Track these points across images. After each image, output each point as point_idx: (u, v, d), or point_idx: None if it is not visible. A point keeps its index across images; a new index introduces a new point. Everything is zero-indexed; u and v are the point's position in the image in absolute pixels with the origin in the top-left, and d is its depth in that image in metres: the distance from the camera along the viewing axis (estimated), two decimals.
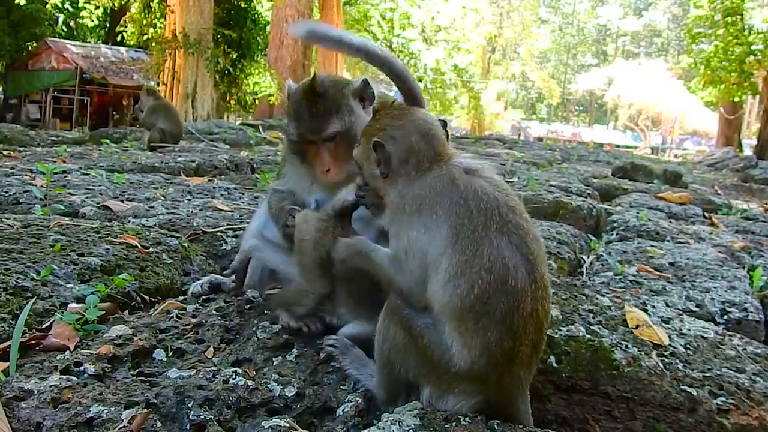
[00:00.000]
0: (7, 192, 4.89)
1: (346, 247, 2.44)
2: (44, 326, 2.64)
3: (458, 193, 2.10)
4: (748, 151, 32.27)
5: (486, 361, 2.03)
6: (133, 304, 3.11)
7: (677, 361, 2.81)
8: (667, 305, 3.59)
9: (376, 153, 2.26)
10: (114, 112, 36.55)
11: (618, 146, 49.11)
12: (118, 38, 32.94)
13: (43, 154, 8.62)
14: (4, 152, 8.45)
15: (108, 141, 11.82)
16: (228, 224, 4.40)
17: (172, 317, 2.85)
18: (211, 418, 2.12)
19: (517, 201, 2.17)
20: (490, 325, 2.00)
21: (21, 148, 9.68)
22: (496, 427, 2.08)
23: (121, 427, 1.99)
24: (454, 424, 2.06)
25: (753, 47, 32.81)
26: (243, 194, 6.03)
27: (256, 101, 31.89)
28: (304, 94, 2.79)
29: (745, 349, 3.02)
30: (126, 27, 30.13)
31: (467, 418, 2.07)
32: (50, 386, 2.16)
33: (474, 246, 2.02)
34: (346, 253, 2.43)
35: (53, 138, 13.45)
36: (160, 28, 28.14)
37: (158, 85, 26.28)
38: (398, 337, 2.18)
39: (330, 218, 2.60)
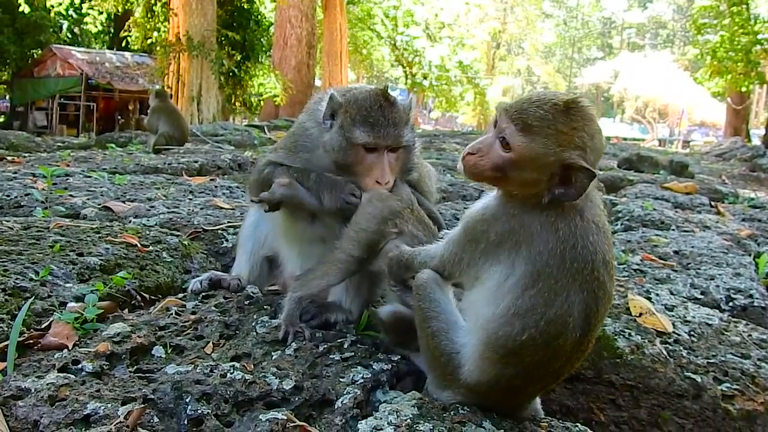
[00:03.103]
0: (8, 195, 4.89)
1: (393, 257, 2.43)
2: (43, 326, 2.63)
3: (557, 240, 1.90)
4: (756, 141, 32.09)
5: (492, 387, 2.03)
6: (133, 302, 3.11)
7: (681, 348, 2.79)
8: (672, 293, 3.57)
9: (568, 171, 1.90)
10: (120, 117, 36.63)
11: (625, 139, 48.88)
12: (123, 43, 33.03)
13: (47, 158, 8.63)
14: (8, 158, 8.47)
15: (113, 145, 11.85)
16: (229, 222, 4.39)
17: (172, 314, 2.85)
18: (208, 413, 2.11)
19: (612, 251, 2.02)
20: (511, 365, 1.97)
21: (26, 155, 9.70)
22: (494, 416, 2.07)
23: (117, 423, 1.98)
24: (452, 413, 2.06)
25: (759, 36, 32.71)
26: (245, 192, 6.01)
27: (262, 102, 31.88)
28: (378, 99, 2.75)
29: (750, 335, 3.00)
30: (130, 32, 30.13)
31: (465, 408, 2.06)
32: (47, 384, 2.16)
33: (551, 296, 1.89)
34: (392, 262, 2.43)
35: (59, 144, 13.49)
36: (164, 31, 28.14)
37: (163, 88, 26.31)
38: (418, 313, 2.21)
39: (404, 200, 2.62)
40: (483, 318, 1.98)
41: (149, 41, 28.97)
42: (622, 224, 5.82)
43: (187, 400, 2.14)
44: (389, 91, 2.80)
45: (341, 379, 2.37)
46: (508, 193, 2.01)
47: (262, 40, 31.83)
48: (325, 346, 2.58)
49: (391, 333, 2.53)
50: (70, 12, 39.48)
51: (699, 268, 4.10)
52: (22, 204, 4.77)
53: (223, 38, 28.70)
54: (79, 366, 2.33)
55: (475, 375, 2.03)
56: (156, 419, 2.07)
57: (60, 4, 31.73)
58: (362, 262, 2.60)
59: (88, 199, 5.01)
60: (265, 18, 32.97)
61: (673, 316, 3.08)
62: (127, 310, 3.01)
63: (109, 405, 2.07)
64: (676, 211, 6.51)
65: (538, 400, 2.29)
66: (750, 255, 4.61)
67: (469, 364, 2.03)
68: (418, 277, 2.20)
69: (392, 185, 2.75)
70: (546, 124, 1.90)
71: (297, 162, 2.93)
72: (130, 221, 4.44)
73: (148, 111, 11.76)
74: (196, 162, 8.23)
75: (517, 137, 1.93)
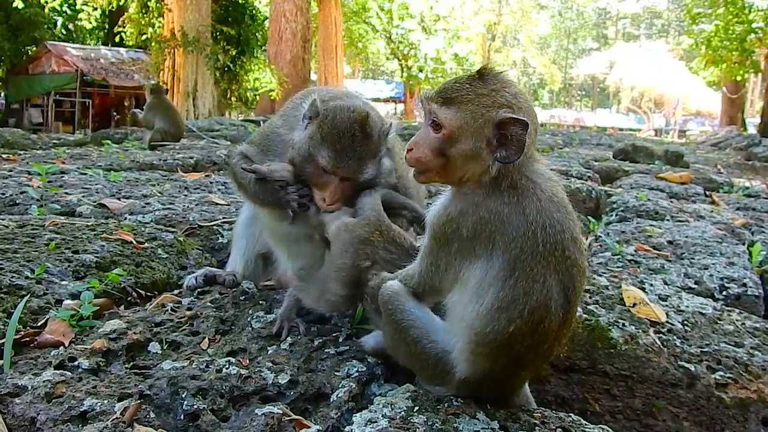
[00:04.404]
0: (3, 194, 4.89)
1: (376, 286, 2.38)
2: (39, 323, 2.64)
3: (527, 223, 1.90)
4: (752, 130, 32.10)
5: (486, 378, 2.05)
6: (129, 299, 3.12)
7: (675, 337, 2.80)
8: (666, 283, 3.59)
9: (500, 131, 1.92)
10: (115, 113, 36.54)
11: (621, 129, 48.99)
12: (117, 39, 32.93)
13: (42, 156, 8.62)
14: (3, 156, 8.44)
15: (109, 142, 11.81)
16: (224, 218, 4.40)
17: (167, 311, 2.86)
18: (204, 408, 2.12)
19: (578, 226, 2.03)
20: (503, 355, 1.97)
21: (22, 152, 9.67)
22: (488, 407, 2.08)
23: (113, 419, 1.99)
24: (446, 405, 2.07)
25: (754, 25, 32.68)
26: None
27: (257, 97, 31.83)
28: (352, 129, 2.67)
29: (743, 323, 3.01)
30: (124, 27, 30.06)
31: (458, 399, 2.08)
32: (44, 381, 2.17)
33: (529, 285, 1.90)
34: (375, 291, 2.37)
35: (54, 141, 13.46)
36: (159, 27, 28.08)
37: (158, 84, 26.26)
38: (388, 330, 2.21)
39: (371, 224, 2.57)
40: (468, 318, 1.97)
41: (144, 37, 28.90)
42: (616, 215, 5.82)
43: (183, 396, 2.15)
44: (369, 120, 2.70)
45: (336, 373, 2.38)
46: (461, 183, 2.01)
47: (257, 34, 31.80)
48: (320, 340, 2.61)
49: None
50: (65, 8, 39.43)
51: (693, 258, 4.11)
52: (17, 202, 4.77)
53: (218, 33, 28.68)
54: (76, 363, 2.34)
55: (468, 371, 2.04)
56: (152, 415, 2.08)
57: (54, 0, 31.68)
58: (353, 299, 2.58)
59: (83, 196, 5.01)
60: (259, 12, 32.95)
61: (667, 305, 3.09)
62: (123, 306, 3.02)
63: (105, 401, 2.08)
64: (671, 201, 6.51)
65: (527, 390, 2.31)
66: (744, 244, 4.62)
67: (461, 363, 2.04)
68: (382, 292, 2.19)
69: (339, 205, 2.71)
70: (465, 92, 1.95)
71: (267, 162, 2.92)
72: (125, 218, 4.45)
73: (144, 107, 11.71)
74: (191, 158, 8.23)
75: (442, 112, 1.97)
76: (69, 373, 2.26)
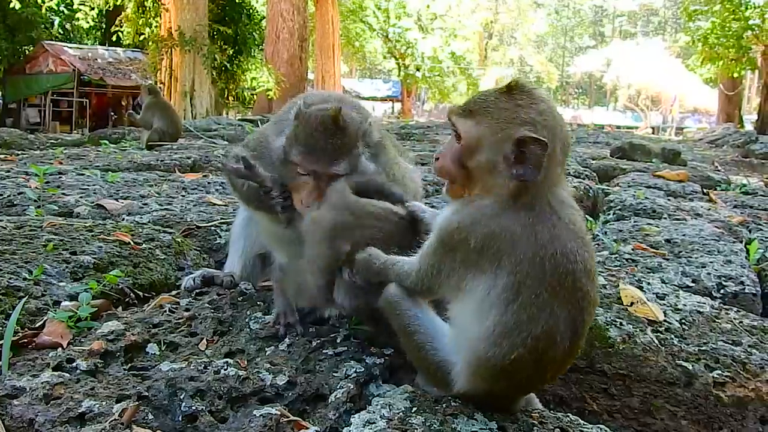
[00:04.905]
0: (1, 195, 4.89)
1: (362, 260, 2.32)
2: (37, 325, 2.65)
3: (537, 248, 1.87)
4: (749, 127, 32.07)
5: (485, 396, 2.05)
6: (127, 300, 3.12)
7: (672, 336, 2.80)
8: (663, 282, 3.58)
9: (520, 148, 1.87)
10: (113, 113, 36.55)
11: (619, 127, 48.87)
12: (114, 39, 32.89)
13: (40, 156, 8.62)
14: (1, 156, 8.44)
15: (106, 142, 11.80)
16: (222, 218, 4.40)
17: (165, 312, 2.86)
18: (202, 409, 2.13)
19: (593, 257, 1.99)
20: (505, 380, 1.96)
21: (19, 152, 9.67)
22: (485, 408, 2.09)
23: (112, 420, 2.00)
24: (444, 405, 2.07)
25: (750, 22, 32.63)
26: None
27: (255, 96, 31.81)
28: (323, 123, 2.66)
29: (741, 322, 3.01)
30: (122, 27, 30.04)
31: (457, 400, 2.08)
32: (42, 383, 2.18)
33: (534, 312, 1.87)
34: (360, 265, 2.32)
35: (52, 141, 13.46)
36: (156, 27, 28.05)
37: (155, 84, 26.24)
38: (397, 329, 2.19)
39: (338, 207, 2.54)
40: (471, 336, 1.95)
41: (141, 37, 28.88)
42: (614, 213, 5.81)
43: (182, 397, 2.16)
44: (341, 114, 2.67)
45: (334, 374, 2.39)
46: (480, 193, 1.99)
47: (254, 34, 31.76)
48: (318, 341, 2.60)
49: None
50: (62, 8, 39.31)
51: (690, 257, 4.11)
52: (15, 203, 4.77)
53: (215, 33, 28.65)
54: (74, 364, 2.34)
55: (467, 387, 2.04)
56: (151, 416, 2.09)
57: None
58: (329, 287, 2.49)
59: (81, 197, 5.01)
60: (256, 12, 32.93)
61: (665, 304, 3.09)
62: (120, 308, 3.02)
63: (103, 403, 2.09)
64: (668, 200, 6.49)
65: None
66: (741, 242, 4.61)
67: (461, 378, 2.04)
68: (385, 294, 2.18)
69: (314, 203, 2.66)
70: (488, 105, 1.95)
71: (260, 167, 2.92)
72: (123, 219, 4.45)
73: (142, 107, 11.70)
74: (189, 158, 8.22)
75: (460, 123, 1.98)
76: (67, 375, 2.27)
